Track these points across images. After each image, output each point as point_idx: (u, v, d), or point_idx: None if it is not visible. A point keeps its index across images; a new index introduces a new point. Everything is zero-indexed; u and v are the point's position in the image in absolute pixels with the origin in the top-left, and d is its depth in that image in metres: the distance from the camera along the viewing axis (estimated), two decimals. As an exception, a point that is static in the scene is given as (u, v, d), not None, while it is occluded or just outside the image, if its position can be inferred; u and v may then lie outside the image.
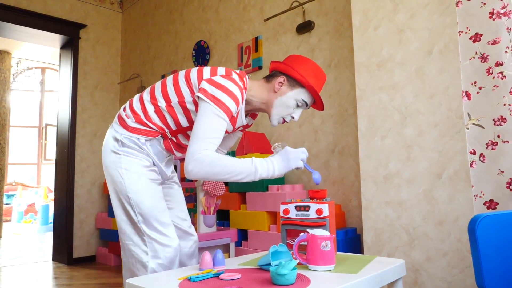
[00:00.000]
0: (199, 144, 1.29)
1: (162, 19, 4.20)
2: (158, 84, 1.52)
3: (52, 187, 5.79)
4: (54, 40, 4.40)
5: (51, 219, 7.31)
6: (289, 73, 1.45)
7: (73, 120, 4.27)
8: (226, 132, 1.51)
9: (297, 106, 1.48)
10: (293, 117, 1.49)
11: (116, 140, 1.48)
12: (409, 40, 1.91)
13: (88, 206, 4.29)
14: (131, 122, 1.48)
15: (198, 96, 1.35)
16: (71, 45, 4.36)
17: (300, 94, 1.46)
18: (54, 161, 4.53)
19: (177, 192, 1.69)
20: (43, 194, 8.08)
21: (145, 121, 1.47)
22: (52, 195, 7.88)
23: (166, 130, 1.49)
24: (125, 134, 1.48)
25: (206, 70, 1.43)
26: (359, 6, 2.11)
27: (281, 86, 1.46)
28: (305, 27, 2.71)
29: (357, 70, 2.09)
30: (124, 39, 4.74)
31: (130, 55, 4.61)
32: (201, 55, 3.61)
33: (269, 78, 1.50)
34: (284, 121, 1.50)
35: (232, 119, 1.45)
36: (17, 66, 9.12)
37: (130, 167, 1.46)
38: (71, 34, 4.31)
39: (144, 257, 1.44)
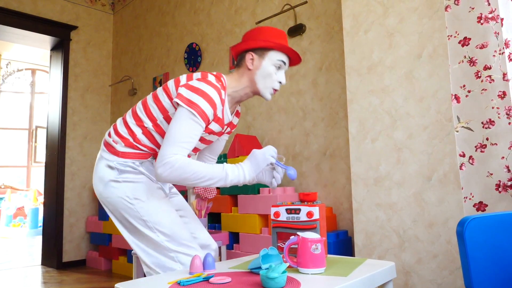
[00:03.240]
0: (169, 148, 1.28)
1: (154, 22, 4.19)
2: (139, 105, 1.50)
3: (42, 190, 5.72)
4: (44, 42, 4.36)
5: (40, 223, 7.22)
6: (252, 46, 1.45)
7: (63, 122, 4.23)
8: (215, 134, 1.51)
9: (278, 69, 1.47)
10: (280, 82, 1.48)
11: (111, 168, 1.45)
12: (399, 44, 1.92)
13: (78, 210, 4.25)
14: (120, 147, 1.46)
15: (176, 102, 1.34)
16: (61, 47, 4.33)
17: (274, 57, 1.44)
18: (44, 164, 4.47)
19: (183, 201, 1.69)
20: (33, 197, 7.98)
21: (135, 144, 1.45)
22: (41, 198, 7.78)
23: (157, 150, 1.48)
24: (118, 160, 1.45)
25: (183, 77, 1.45)
26: (349, 10, 2.12)
27: (253, 61, 1.46)
28: (296, 30, 2.72)
29: (347, 73, 2.10)
30: (115, 41, 4.71)
31: (122, 57, 4.58)
32: (193, 58, 3.60)
33: (238, 64, 1.51)
34: (275, 90, 1.49)
35: (219, 120, 1.43)
36: (6, 67, 9.01)
37: (135, 192, 1.43)
38: (61, 36, 4.28)
39: (178, 268, 1.42)
